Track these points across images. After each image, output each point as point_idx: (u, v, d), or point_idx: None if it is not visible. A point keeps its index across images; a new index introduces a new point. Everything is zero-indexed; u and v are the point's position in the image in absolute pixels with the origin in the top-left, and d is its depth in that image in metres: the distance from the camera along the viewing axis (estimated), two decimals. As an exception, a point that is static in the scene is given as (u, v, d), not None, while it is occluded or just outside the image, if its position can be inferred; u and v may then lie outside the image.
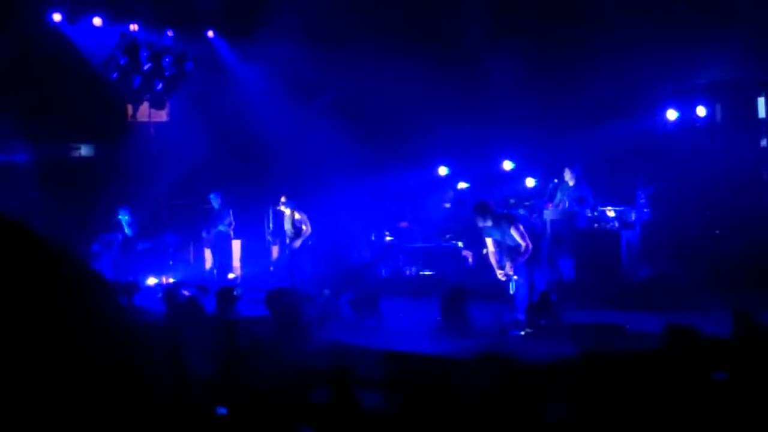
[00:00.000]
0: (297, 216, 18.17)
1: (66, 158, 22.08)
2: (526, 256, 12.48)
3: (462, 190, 20.94)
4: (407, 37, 19.42)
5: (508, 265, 12.61)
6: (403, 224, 20.84)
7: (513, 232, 12.47)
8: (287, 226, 18.31)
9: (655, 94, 18.48)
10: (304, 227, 18.14)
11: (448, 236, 20.01)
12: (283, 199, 18.50)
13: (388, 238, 20.64)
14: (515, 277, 12.62)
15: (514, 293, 12.65)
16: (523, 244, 12.44)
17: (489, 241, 12.89)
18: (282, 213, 18.46)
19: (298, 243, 18.08)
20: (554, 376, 6.09)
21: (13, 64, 19.67)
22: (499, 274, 12.78)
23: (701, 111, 18.28)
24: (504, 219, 12.79)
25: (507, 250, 12.63)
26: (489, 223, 12.68)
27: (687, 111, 18.40)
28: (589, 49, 18.08)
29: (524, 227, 12.67)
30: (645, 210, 16.80)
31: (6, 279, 0.97)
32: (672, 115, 18.46)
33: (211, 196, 20.24)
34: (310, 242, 19.47)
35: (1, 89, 19.27)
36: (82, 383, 0.97)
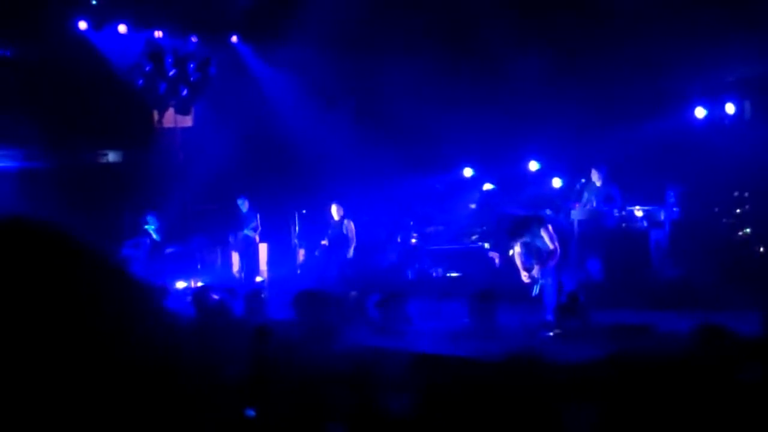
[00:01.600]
0: (346, 222, 18.64)
1: (94, 164, 22.23)
2: (556, 260, 12.41)
3: (488, 191, 20.89)
4: (431, 38, 19.38)
5: (536, 268, 12.52)
6: (431, 229, 20.81)
7: (543, 233, 12.40)
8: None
9: (683, 92, 18.34)
10: (350, 234, 18.61)
11: (474, 237, 19.97)
12: (335, 207, 18.85)
13: (413, 241, 20.62)
14: (542, 281, 12.53)
15: (543, 294, 12.57)
16: (551, 246, 12.36)
17: (517, 243, 12.80)
18: (331, 218, 18.92)
19: (350, 252, 18.49)
20: (583, 378, 6.05)
21: (40, 72, 19.84)
22: (524, 276, 12.70)
23: (730, 108, 18.15)
24: (533, 221, 12.72)
25: (535, 251, 12.55)
26: (527, 238, 12.60)
27: (716, 108, 18.28)
28: (615, 48, 17.99)
29: (553, 227, 12.60)
30: (674, 209, 16.69)
31: (48, 284, 0.97)
32: (700, 112, 18.34)
33: (239, 200, 20.37)
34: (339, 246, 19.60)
35: (28, 97, 19.42)
36: (123, 386, 0.97)
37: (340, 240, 19.01)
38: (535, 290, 12.56)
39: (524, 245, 12.65)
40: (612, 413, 4.78)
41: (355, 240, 18.96)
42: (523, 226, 12.63)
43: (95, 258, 1.12)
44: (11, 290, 0.94)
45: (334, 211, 19.07)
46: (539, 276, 12.47)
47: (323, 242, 19.67)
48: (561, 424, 4.89)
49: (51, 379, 0.93)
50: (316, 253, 20.37)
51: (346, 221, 18.92)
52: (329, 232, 19.38)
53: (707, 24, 17.10)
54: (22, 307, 0.94)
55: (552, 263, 12.41)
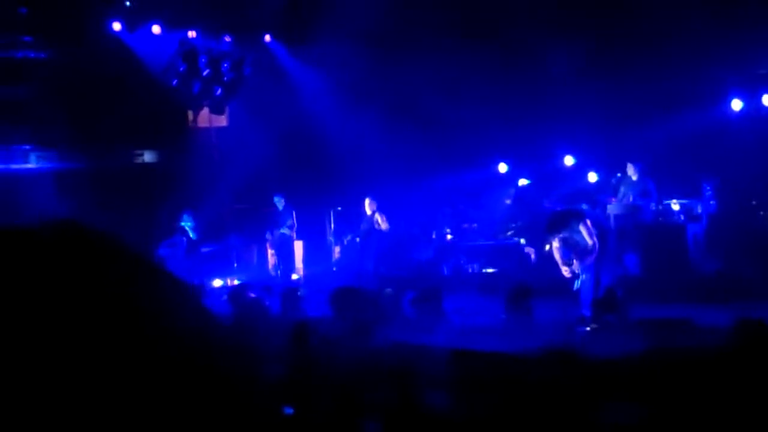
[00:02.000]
0: (377, 216, 18.74)
1: (129, 165, 22.38)
2: (594, 255, 12.33)
3: (523, 186, 20.83)
4: (464, 35, 19.33)
5: (575, 263, 12.45)
6: (466, 225, 20.79)
7: (581, 228, 12.32)
8: (384, 224, 18.88)
9: (720, 84, 18.19)
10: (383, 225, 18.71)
11: (509, 233, 19.92)
12: (368, 201, 18.95)
13: (449, 237, 20.61)
14: (583, 276, 12.46)
15: (580, 289, 12.51)
16: (590, 241, 12.28)
17: (555, 238, 12.71)
18: (365, 213, 19.03)
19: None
20: (621, 373, 6.02)
21: (75, 74, 19.99)
22: (564, 271, 12.64)
23: (766, 100, 17.99)
24: (572, 216, 12.65)
25: (573, 246, 12.48)
26: (563, 234, 12.53)
27: (752, 100, 18.12)
28: (651, 41, 17.89)
29: (591, 223, 12.53)
30: (711, 202, 16.57)
31: (95, 285, 0.99)
32: (737, 105, 18.19)
33: (276, 198, 20.44)
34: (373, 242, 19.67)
35: (64, 98, 19.60)
36: (165, 382, 0.99)
37: (371, 234, 19.08)
38: (577, 284, 12.50)
39: (562, 240, 12.57)
40: (650, 408, 4.76)
41: (388, 232, 19.01)
42: (561, 221, 12.56)
43: (139, 260, 1.14)
44: (61, 290, 0.96)
45: (367, 205, 19.14)
46: (579, 270, 12.41)
47: (356, 239, 19.80)
48: (599, 420, 4.87)
49: (96, 374, 0.94)
50: (345, 242, 20.46)
51: (377, 215, 18.97)
52: (361, 226, 19.45)
53: (743, 16, 16.97)
54: (71, 306, 0.96)
55: (590, 258, 12.33)
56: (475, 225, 20.74)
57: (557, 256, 12.69)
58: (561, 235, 12.48)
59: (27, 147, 21.44)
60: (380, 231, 19.02)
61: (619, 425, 4.78)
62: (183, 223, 20.02)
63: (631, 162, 16.75)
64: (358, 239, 19.71)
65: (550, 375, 5.66)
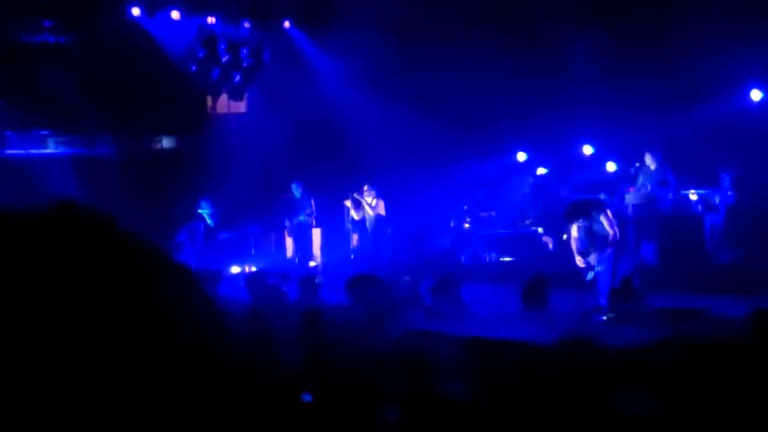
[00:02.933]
0: (374, 202, 18.78)
1: (148, 151, 22.45)
2: (614, 245, 12.29)
3: (541, 175, 20.82)
4: (484, 24, 19.33)
5: (593, 256, 12.39)
6: (484, 214, 20.80)
7: (602, 218, 12.27)
8: (369, 213, 18.90)
9: (739, 75, 18.11)
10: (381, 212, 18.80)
11: (527, 222, 19.92)
12: (366, 188, 18.99)
13: (467, 225, 20.62)
14: (598, 267, 12.42)
15: (597, 279, 12.49)
16: (611, 232, 12.23)
17: (574, 227, 12.67)
18: (363, 200, 19.05)
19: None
20: (636, 362, 6.04)
21: (94, 59, 20.05)
22: (578, 261, 12.60)
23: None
24: (593, 206, 12.62)
25: (592, 236, 12.44)
26: (582, 223, 12.49)
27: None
28: (669, 31, 17.83)
29: (612, 213, 12.50)
30: (729, 193, 16.53)
31: (96, 274, 0.99)
32: (756, 95, 18.12)
33: (293, 185, 20.41)
34: (389, 230, 19.72)
35: (83, 84, 19.66)
36: (174, 376, 0.99)
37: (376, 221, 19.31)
38: (590, 275, 12.46)
39: (582, 229, 12.52)
40: (665, 398, 4.77)
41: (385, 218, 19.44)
42: (581, 210, 12.53)
43: (143, 247, 1.15)
44: (56, 279, 0.97)
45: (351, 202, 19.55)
46: (595, 262, 12.37)
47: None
48: (614, 409, 4.89)
49: (100, 370, 0.96)
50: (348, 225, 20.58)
51: (373, 200, 19.20)
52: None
53: (763, 6, 16.88)
54: (67, 296, 0.97)
55: (609, 249, 12.29)
56: (493, 213, 20.75)
57: (574, 245, 12.66)
58: (580, 224, 12.45)
59: (45, 132, 21.55)
60: (383, 217, 19.18)
61: (634, 415, 4.80)
62: (201, 210, 20.08)
63: (650, 152, 16.72)
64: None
65: (567, 364, 5.69)
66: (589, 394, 4.86)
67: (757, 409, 4.57)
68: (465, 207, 20.97)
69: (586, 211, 12.46)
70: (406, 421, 5.36)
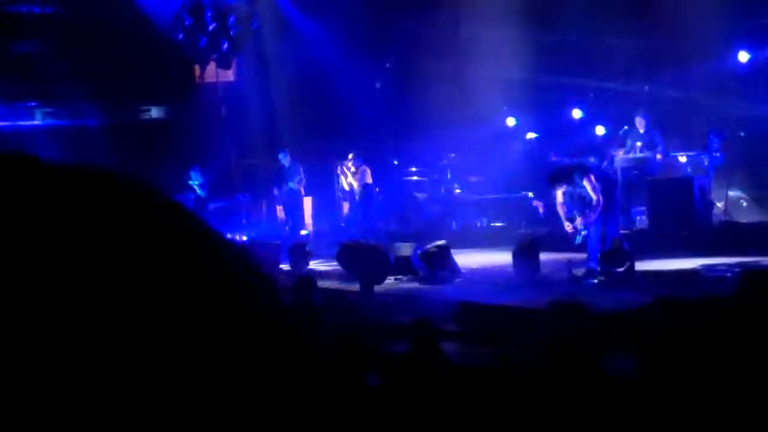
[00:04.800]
0: (360, 170, 18.87)
1: (136, 121, 22.38)
2: (598, 211, 12.27)
3: (531, 140, 20.81)
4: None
5: (578, 219, 12.41)
6: (473, 179, 20.82)
7: (585, 183, 12.26)
8: (355, 183, 18.97)
9: (727, 36, 18.08)
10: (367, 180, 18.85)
11: (517, 187, 19.95)
12: (350, 156, 19.03)
13: (457, 191, 20.64)
14: (584, 232, 12.43)
15: (587, 242, 12.51)
16: (594, 197, 12.22)
17: (559, 192, 12.67)
18: (348, 170, 19.10)
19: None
20: (627, 324, 6.09)
21: (81, 29, 19.94)
22: (567, 226, 12.61)
23: (774, 52, 17.90)
24: (576, 170, 12.61)
25: (578, 201, 12.44)
26: (565, 187, 12.47)
27: (759, 52, 18.02)
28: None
29: (596, 176, 12.48)
30: (717, 155, 16.55)
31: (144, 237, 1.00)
32: (744, 57, 18.09)
33: (280, 154, 20.34)
34: (380, 197, 19.75)
35: (70, 55, 19.57)
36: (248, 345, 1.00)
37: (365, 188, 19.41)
38: (578, 240, 12.49)
39: (566, 194, 12.53)
40: (655, 360, 4.82)
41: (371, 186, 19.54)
42: (564, 175, 12.52)
43: (183, 211, 1.16)
44: (102, 241, 0.98)
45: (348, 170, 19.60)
46: (582, 226, 12.39)
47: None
48: (603, 371, 4.94)
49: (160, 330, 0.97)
50: (338, 193, 20.65)
51: (360, 168, 19.33)
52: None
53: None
54: (121, 258, 0.98)
55: (594, 214, 12.29)
56: (484, 178, 20.74)
57: (561, 210, 12.66)
58: (564, 189, 12.46)
59: (32, 103, 21.47)
60: (371, 185, 19.26)
61: (624, 376, 4.84)
62: (191, 181, 20.04)
63: (639, 115, 16.73)
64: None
65: (558, 327, 5.73)
66: (579, 357, 4.90)
67: (745, 371, 4.61)
68: (455, 173, 20.98)
69: (569, 175, 12.45)
70: (398, 384, 5.40)
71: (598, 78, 18.71)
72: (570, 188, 12.41)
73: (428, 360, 5.87)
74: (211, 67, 22.44)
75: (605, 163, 16.63)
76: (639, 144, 16.62)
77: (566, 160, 16.81)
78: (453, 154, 21.17)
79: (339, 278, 13.37)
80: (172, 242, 0.96)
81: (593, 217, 12.25)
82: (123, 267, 0.87)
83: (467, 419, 4.46)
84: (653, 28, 17.82)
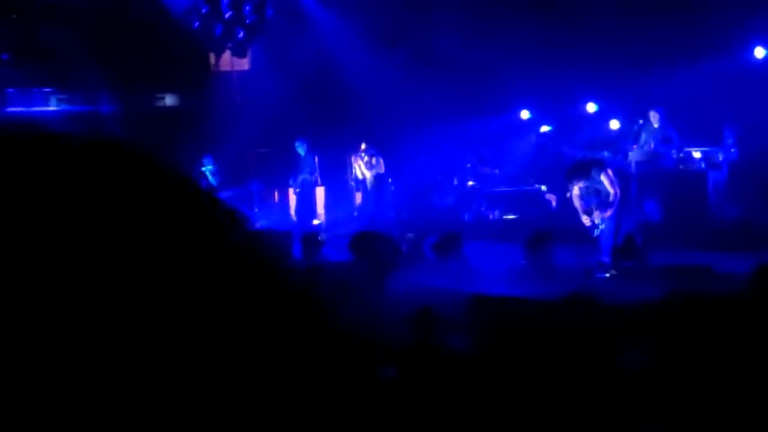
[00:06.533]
0: (373, 161, 18.80)
1: (151, 108, 22.40)
2: (616, 204, 12.26)
3: (545, 133, 20.78)
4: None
5: (596, 213, 12.37)
6: (488, 171, 20.79)
7: (603, 178, 12.24)
8: (367, 172, 18.94)
9: (742, 32, 18.01)
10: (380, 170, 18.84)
11: (531, 180, 19.92)
12: (363, 146, 19.00)
13: (470, 183, 20.63)
14: (602, 226, 12.40)
15: (600, 236, 12.50)
16: (612, 191, 12.20)
17: (576, 186, 12.64)
18: (361, 159, 19.08)
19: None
20: (639, 318, 6.06)
21: (97, 16, 19.94)
22: (585, 220, 12.59)
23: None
24: (593, 165, 12.58)
25: (595, 195, 12.42)
26: (583, 183, 12.45)
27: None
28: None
29: (613, 171, 12.46)
30: (732, 150, 16.50)
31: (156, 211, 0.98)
32: (760, 52, 18.03)
33: (297, 143, 20.36)
34: (392, 187, 19.74)
35: (86, 42, 19.57)
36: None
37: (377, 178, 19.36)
38: (596, 232, 12.47)
39: (583, 189, 12.50)
40: (667, 354, 4.80)
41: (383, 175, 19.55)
42: (582, 170, 12.50)
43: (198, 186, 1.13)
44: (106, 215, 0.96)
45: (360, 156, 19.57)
46: (599, 220, 12.37)
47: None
48: (616, 365, 4.92)
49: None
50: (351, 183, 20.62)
51: (373, 159, 19.25)
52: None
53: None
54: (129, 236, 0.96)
55: (612, 208, 12.27)
56: (497, 171, 20.74)
57: (577, 204, 12.65)
58: (581, 184, 12.43)
59: (47, 89, 21.50)
60: (383, 175, 19.23)
61: (636, 370, 4.82)
62: (204, 168, 20.06)
63: (654, 109, 16.69)
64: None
65: (569, 320, 5.72)
66: (591, 350, 4.89)
67: (757, 366, 4.59)
68: (468, 165, 20.96)
69: (586, 170, 12.43)
70: (409, 376, 5.39)
71: (613, 72, 18.64)
72: (587, 183, 12.39)
73: (432, 349, 5.86)
74: (227, 55, 22.43)
75: (618, 157, 16.61)
76: (653, 139, 16.59)
77: (579, 154, 16.79)
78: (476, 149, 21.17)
79: (351, 267, 13.36)
80: (185, 217, 0.94)
81: (611, 210, 12.22)
82: (133, 239, 0.85)
83: (471, 410, 4.45)
84: (670, 23, 17.74)
